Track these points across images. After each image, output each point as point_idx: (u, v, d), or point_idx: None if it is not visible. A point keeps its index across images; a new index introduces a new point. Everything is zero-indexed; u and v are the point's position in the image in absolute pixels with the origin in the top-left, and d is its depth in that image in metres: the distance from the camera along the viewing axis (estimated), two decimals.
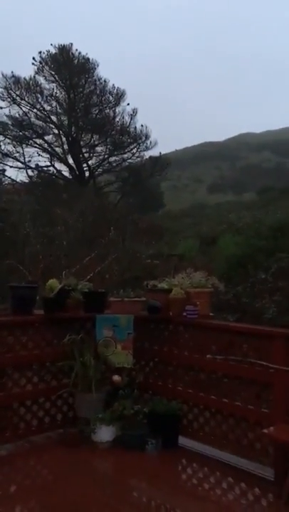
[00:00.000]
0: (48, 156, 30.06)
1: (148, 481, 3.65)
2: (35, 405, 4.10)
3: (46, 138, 30.03)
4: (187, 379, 4.22)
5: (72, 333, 4.22)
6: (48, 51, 29.24)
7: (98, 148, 30.80)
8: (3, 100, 28.70)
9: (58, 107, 29.90)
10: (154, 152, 30.86)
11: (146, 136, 30.48)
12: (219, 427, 3.91)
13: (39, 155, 29.73)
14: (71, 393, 4.24)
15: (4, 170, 28.52)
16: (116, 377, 4.24)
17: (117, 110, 30.28)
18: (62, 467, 3.72)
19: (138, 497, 3.53)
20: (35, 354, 4.10)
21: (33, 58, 29.13)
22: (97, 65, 29.95)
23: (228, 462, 3.75)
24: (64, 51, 29.40)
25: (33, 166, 29.59)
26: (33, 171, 29.71)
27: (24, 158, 29.26)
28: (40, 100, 29.32)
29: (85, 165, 30.84)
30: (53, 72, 29.42)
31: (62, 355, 4.16)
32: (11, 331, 3.99)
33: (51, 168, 30.42)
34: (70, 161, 30.46)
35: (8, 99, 28.77)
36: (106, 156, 30.83)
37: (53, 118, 30.00)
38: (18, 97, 28.87)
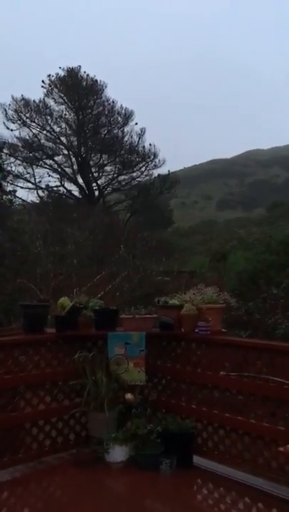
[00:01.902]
0: (58, 176, 30.47)
1: (163, 502, 3.58)
2: (48, 425, 4.07)
3: (56, 158, 30.48)
4: (201, 397, 4.16)
5: (84, 351, 4.20)
6: (57, 74, 29.86)
7: (107, 168, 31.17)
8: (14, 123, 29.29)
9: (68, 128, 30.40)
10: (162, 170, 31.14)
11: (155, 155, 30.80)
12: (234, 446, 3.83)
13: (49, 175, 30.17)
14: (84, 412, 4.21)
15: (15, 191, 28.75)
16: (129, 396, 4.20)
17: (125, 130, 30.73)
18: (76, 488, 3.66)
19: None
20: (47, 373, 4.08)
21: (42, 81, 29.77)
22: (106, 87, 30.49)
23: (244, 482, 3.66)
24: (72, 74, 29.98)
25: (43, 186, 29.99)
26: (43, 191, 30.08)
27: (35, 178, 29.68)
28: (49, 122, 29.86)
29: (94, 184, 31.16)
30: (62, 95, 29.98)
31: (74, 373, 4.14)
32: (23, 350, 3.98)
33: (61, 188, 30.80)
34: (80, 180, 30.82)
35: (19, 122, 29.35)
36: (115, 175, 31.15)
37: (63, 139, 30.48)
38: (28, 119, 29.43)
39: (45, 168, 30.22)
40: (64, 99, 30.07)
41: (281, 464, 3.49)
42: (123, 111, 30.58)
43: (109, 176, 31.24)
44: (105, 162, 30.94)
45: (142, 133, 30.68)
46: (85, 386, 4.14)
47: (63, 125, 30.20)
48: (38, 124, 29.67)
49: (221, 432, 3.95)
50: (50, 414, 4.08)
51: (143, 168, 31.05)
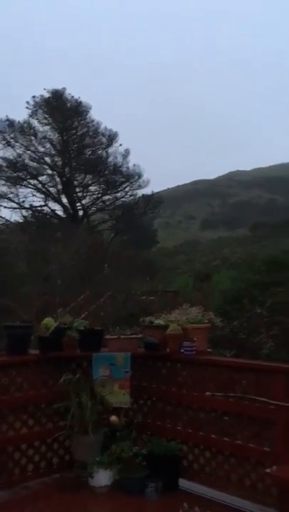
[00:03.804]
0: (42, 196, 30.46)
1: None
2: (31, 449, 3.97)
3: (40, 178, 30.51)
4: (186, 418, 4.12)
5: (68, 373, 4.14)
6: (42, 95, 30.11)
7: (92, 188, 31.30)
8: None
9: (52, 149, 30.53)
10: (146, 190, 31.41)
11: (139, 175, 31.09)
12: (221, 468, 3.79)
13: (33, 195, 30.15)
14: (67, 436, 4.13)
15: None
16: (113, 418, 4.14)
17: (109, 151, 31.00)
18: None
19: None
20: (30, 395, 4.00)
21: (27, 102, 29.96)
22: (90, 108, 30.82)
23: (230, 505, 3.61)
24: (57, 95, 30.27)
25: (27, 206, 29.91)
26: (27, 211, 30.00)
27: (18, 198, 29.60)
28: (34, 142, 29.97)
29: (78, 204, 31.21)
30: (47, 115, 30.19)
31: (58, 396, 4.07)
32: (5, 372, 3.91)
33: (45, 208, 30.76)
34: (64, 200, 30.85)
35: (3, 142, 29.38)
36: (99, 195, 31.29)
37: (47, 159, 30.57)
38: (12, 140, 29.50)
39: (29, 187, 30.22)
40: (48, 120, 30.27)
41: (268, 486, 3.45)
42: (107, 132, 30.92)
43: (94, 196, 31.38)
44: (89, 182, 31.09)
45: (126, 154, 31.01)
46: (69, 409, 4.07)
47: (48, 145, 30.35)
48: (22, 144, 29.76)
49: (207, 453, 3.90)
50: (33, 438, 3.99)
51: (127, 189, 31.30)
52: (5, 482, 3.78)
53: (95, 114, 31.23)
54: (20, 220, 28.47)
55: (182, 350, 4.13)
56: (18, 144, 29.63)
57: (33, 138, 29.88)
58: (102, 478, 3.83)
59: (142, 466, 3.88)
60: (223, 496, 3.69)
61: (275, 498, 3.38)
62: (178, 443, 4.02)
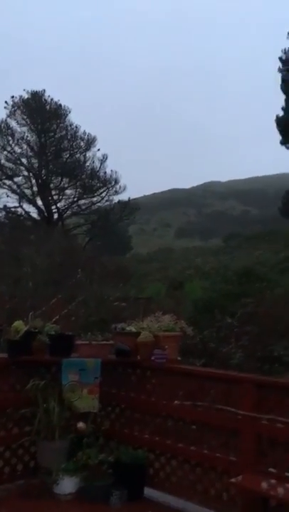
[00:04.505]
0: (16, 197, 30.14)
1: None
2: None
3: (16, 179, 30.19)
4: (154, 426, 4.11)
5: (37, 378, 4.08)
6: (21, 96, 29.87)
7: (68, 191, 31.17)
8: None
9: (29, 150, 30.29)
10: (123, 196, 31.46)
11: (116, 181, 31.14)
12: (186, 477, 3.79)
13: (8, 196, 29.77)
14: (33, 441, 4.06)
15: None
16: (81, 425, 4.10)
17: (87, 155, 30.97)
18: None
19: None
20: None
21: (6, 102, 29.66)
22: (69, 112, 30.77)
23: None
24: (36, 97, 30.10)
25: (1, 206, 29.51)
26: (0, 212, 29.59)
27: None
28: (11, 143, 29.67)
29: (54, 207, 31.00)
30: (25, 117, 29.97)
31: (25, 401, 4.00)
32: None
33: (19, 209, 30.41)
34: (39, 202, 30.61)
35: None
36: (75, 199, 31.16)
37: (24, 160, 30.31)
38: None
39: (4, 188, 29.87)
40: (27, 121, 30.05)
41: (232, 496, 3.48)
42: (86, 136, 30.89)
43: (70, 200, 31.23)
44: (66, 185, 30.94)
45: (103, 159, 31.02)
46: (35, 414, 4.01)
47: (24, 146, 30.10)
48: None
49: (174, 462, 3.90)
50: None
51: (104, 194, 31.28)
52: None
53: (74, 118, 31.18)
54: None
55: (153, 358, 4.13)
56: None
57: (10, 138, 29.60)
58: (67, 485, 3.79)
59: (107, 473, 3.85)
60: (188, 505, 3.70)
61: (239, 508, 3.40)
62: (145, 451, 4.01)
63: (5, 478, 3.91)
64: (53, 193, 30.93)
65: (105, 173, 30.99)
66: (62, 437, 3.98)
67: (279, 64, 27.11)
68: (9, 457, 3.97)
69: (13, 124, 29.83)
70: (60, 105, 30.43)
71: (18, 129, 29.95)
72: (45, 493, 3.75)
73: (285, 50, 27.15)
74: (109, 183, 31.00)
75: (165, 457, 3.96)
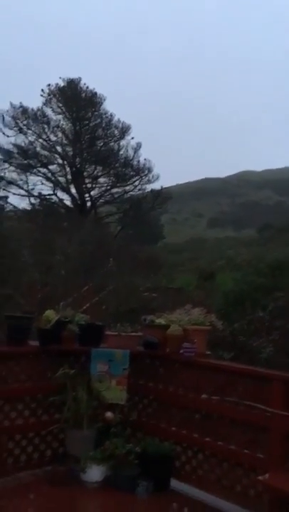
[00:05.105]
0: (51, 184, 30.46)
1: None
2: (25, 440, 3.98)
3: (50, 167, 30.49)
4: (181, 419, 4.11)
5: (66, 367, 4.14)
6: (57, 84, 30.03)
7: (101, 180, 31.25)
8: (11, 129, 29.29)
9: (64, 138, 30.48)
10: (155, 185, 31.30)
11: (149, 170, 31.00)
12: (213, 471, 3.78)
13: (42, 183, 30.14)
14: (62, 429, 4.13)
15: (7, 197, 28.83)
16: (109, 414, 4.14)
17: (121, 143, 30.91)
18: (49, 507, 3.58)
19: None
20: (27, 387, 4.01)
21: (42, 90, 29.90)
22: (104, 100, 30.73)
23: (220, 509, 3.61)
24: (72, 85, 30.19)
25: (35, 194, 29.93)
26: (35, 199, 30.01)
27: (27, 186, 29.63)
28: (46, 130, 29.93)
29: (87, 195, 31.19)
30: (61, 105, 30.13)
31: (54, 388, 4.07)
32: (3, 362, 3.91)
33: (53, 197, 30.76)
34: (73, 190, 30.84)
35: (15, 128, 29.36)
36: (108, 188, 31.24)
37: (58, 148, 30.53)
38: (24, 127, 29.48)
39: (39, 176, 30.22)
40: (62, 109, 30.21)
41: (259, 493, 3.45)
42: (120, 125, 30.81)
43: (103, 188, 31.33)
44: (99, 174, 31.05)
45: (137, 147, 30.91)
46: (64, 402, 4.07)
47: (60, 134, 30.31)
48: (35, 132, 29.73)
49: (200, 456, 3.90)
50: (27, 429, 3.99)
51: (136, 182, 31.21)
52: None
53: (109, 106, 31.14)
54: (28, 208, 28.51)
55: (181, 351, 4.11)
56: (30, 132, 29.63)
57: (45, 126, 29.86)
58: (94, 473, 3.84)
59: (134, 464, 3.89)
60: (214, 500, 3.69)
61: (265, 506, 3.37)
62: (171, 443, 4.02)
63: (33, 463, 4.00)
64: (87, 181, 31.11)
65: (139, 161, 30.93)
66: (90, 426, 4.03)
67: None
68: (38, 443, 4.06)
69: (48, 112, 30.08)
70: (96, 93, 30.47)
71: (54, 117, 30.18)
72: (73, 480, 3.82)
73: None
74: (143, 171, 30.93)
75: (192, 450, 3.96)
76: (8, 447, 3.89)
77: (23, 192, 29.66)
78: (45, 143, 30.03)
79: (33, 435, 4.03)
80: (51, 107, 30.15)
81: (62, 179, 30.70)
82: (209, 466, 3.82)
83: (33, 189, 29.72)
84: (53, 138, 30.18)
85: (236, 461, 3.64)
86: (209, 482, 3.78)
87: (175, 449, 4.01)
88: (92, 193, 31.31)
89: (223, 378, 3.85)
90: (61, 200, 30.85)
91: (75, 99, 29.88)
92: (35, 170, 30.06)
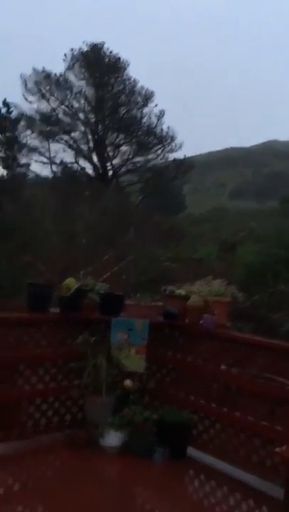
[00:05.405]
0: (73, 152, 30.30)
1: (152, 490, 3.59)
2: (45, 404, 4.07)
3: (73, 134, 30.26)
4: (199, 389, 4.13)
5: (87, 334, 4.17)
6: (80, 48, 29.45)
7: (123, 148, 30.93)
8: (33, 95, 29.03)
9: (86, 105, 30.10)
10: (178, 154, 30.82)
11: (172, 139, 30.50)
12: (230, 441, 3.81)
13: (64, 151, 30.00)
14: (81, 395, 4.20)
15: (29, 164, 28.82)
16: (127, 382, 4.18)
17: (144, 111, 30.38)
18: (68, 470, 3.68)
19: (141, 505, 3.48)
20: (48, 353, 4.07)
21: (65, 55, 29.38)
22: (128, 65, 30.07)
23: (237, 478, 3.65)
24: (95, 49, 29.57)
25: (57, 161, 29.84)
26: (57, 167, 29.95)
27: (49, 153, 29.54)
28: (68, 97, 29.58)
29: (108, 164, 30.96)
30: (83, 70, 29.61)
31: (75, 355, 4.12)
32: (25, 328, 3.96)
33: (75, 165, 30.63)
34: (95, 159, 30.65)
35: (38, 94, 29.09)
36: (130, 156, 30.92)
37: (81, 115, 30.22)
38: (47, 93, 29.17)
39: (61, 143, 30.06)
40: (85, 75, 29.72)
41: (275, 464, 3.46)
42: (144, 91, 30.21)
43: (124, 157, 31.02)
44: (121, 142, 30.69)
45: (160, 115, 30.34)
46: (84, 369, 4.12)
47: (82, 101, 29.93)
48: (57, 98, 29.42)
49: (218, 426, 3.93)
50: (47, 394, 4.07)
51: (159, 151, 30.80)
52: (18, 434, 3.89)
53: (132, 72, 30.46)
54: (50, 176, 28.50)
55: (201, 322, 4.10)
56: (53, 98, 29.32)
57: (68, 92, 29.49)
58: (113, 439, 3.91)
59: (151, 431, 3.94)
60: (230, 469, 3.73)
61: (282, 477, 3.39)
62: (189, 412, 4.05)
63: (53, 427, 4.09)
64: (109, 149, 30.83)
65: (162, 129, 30.41)
66: (109, 393, 4.08)
67: None
68: (58, 408, 4.14)
69: (71, 77, 29.65)
70: (119, 58, 29.82)
71: (76, 83, 29.74)
72: (91, 445, 3.90)
73: None
74: (165, 140, 30.45)
75: (209, 420, 3.99)
76: (29, 411, 3.98)
77: (44, 159, 29.63)
78: (67, 109, 29.75)
79: (52, 400, 4.11)
80: (74, 73, 29.69)
81: (84, 147, 30.52)
82: (226, 436, 3.85)
83: (54, 157, 29.64)
84: (75, 104, 29.86)
85: (253, 432, 3.65)
86: (226, 451, 3.82)
87: (192, 418, 4.04)
88: (113, 161, 31.08)
89: (243, 350, 3.83)
90: (83, 168, 30.75)
91: (98, 65, 29.32)
92: (57, 137, 29.89)
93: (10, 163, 25.74)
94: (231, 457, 3.77)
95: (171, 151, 30.67)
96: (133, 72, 30.71)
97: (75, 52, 29.42)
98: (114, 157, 31.03)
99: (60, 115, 29.72)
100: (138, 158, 31.04)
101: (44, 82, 29.11)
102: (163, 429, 3.94)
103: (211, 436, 3.96)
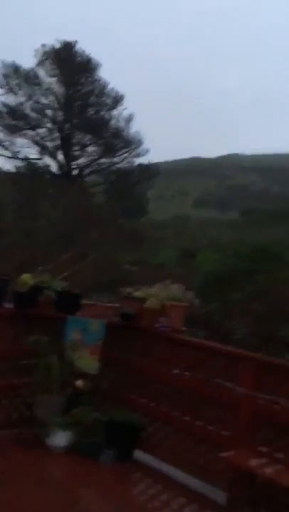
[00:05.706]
0: (38, 148, 29.85)
1: (98, 492, 3.56)
2: None
3: (39, 131, 29.82)
4: (151, 392, 4.13)
5: (40, 332, 4.10)
6: (52, 45, 29.11)
7: (89, 149, 30.76)
8: (1, 87, 28.44)
9: (55, 102, 29.76)
10: (144, 160, 30.97)
11: (139, 143, 30.60)
12: (178, 445, 3.83)
13: (29, 147, 29.51)
14: (31, 393, 4.11)
15: None
16: (79, 382, 4.14)
17: (113, 113, 30.33)
18: (12, 467, 3.59)
19: (85, 507, 3.44)
20: None
21: (36, 50, 28.97)
22: (99, 66, 29.96)
23: (182, 482, 3.67)
24: (68, 47, 29.32)
25: (22, 156, 29.32)
26: (21, 162, 29.43)
27: (14, 148, 28.99)
28: (37, 92, 29.13)
29: (74, 163, 30.68)
30: (54, 67, 29.27)
31: (27, 352, 4.03)
32: None
33: (40, 162, 30.19)
34: (60, 157, 30.29)
35: (6, 87, 28.51)
36: (96, 157, 30.78)
37: (48, 112, 29.84)
38: (16, 86, 28.62)
39: (26, 138, 29.56)
40: (55, 72, 29.39)
41: (221, 469, 3.50)
42: (114, 93, 30.19)
43: (91, 157, 30.85)
44: (88, 142, 30.53)
45: (129, 119, 30.41)
46: (36, 367, 4.05)
47: (51, 98, 29.57)
48: (26, 93, 28.92)
49: (167, 429, 3.94)
50: None
51: (125, 155, 30.82)
52: None
53: (104, 74, 30.39)
54: (13, 171, 27.96)
55: (157, 325, 4.11)
56: (21, 92, 28.82)
57: (37, 88, 29.06)
58: (60, 439, 3.86)
59: (100, 432, 3.91)
60: (177, 473, 3.75)
61: (226, 482, 3.43)
62: (139, 415, 4.05)
63: (0, 425, 3.99)
64: (75, 148, 30.57)
65: (129, 133, 30.48)
66: (60, 392, 4.02)
67: None
68: (6, 405, 4.04)
69: (41, 73, 29.24)
70: (91, 59, 29.69)
71: (46, 80, 29.36)
72: (38, 444, 3.83)
73: None
74: (132, 144, 30.52)
75: (159, 423, 4.00)
76: None
77: (8, 153, 29.04)
78: (35, 105, 29.31)
79: (1, 396, 4.00)
80: (44, 69, 29.31)
81: (50, 144, 30.12)
82: (175, 440, 3.86)
83: (19, 152, 29.12)
84: (43, 101, 29.47)
85: (202, 437, 3.68)
86: (173, 455, 3.83)
87: (142, 421, 4.04)
88: (79, 161, 30.84)
89: (196, 355, 3.87)
90: (47, 165, 30.34)
91: (69, 63, 29.07)
92: (23, 132, 29.37)
93: None
94: (178, 461, 3.79)
95: (138, 155, 30.81)
96: (104, 74, 30.61)
97: (47, 49, 29.08)
98: (80, 156, 30.81)
99: (28, 110, 29.25)
100: (104, 160, 30.97)
101: (13, 76, 28.57)
102: (112, 431, 3.93)
103: (160, 440, 3.97)
